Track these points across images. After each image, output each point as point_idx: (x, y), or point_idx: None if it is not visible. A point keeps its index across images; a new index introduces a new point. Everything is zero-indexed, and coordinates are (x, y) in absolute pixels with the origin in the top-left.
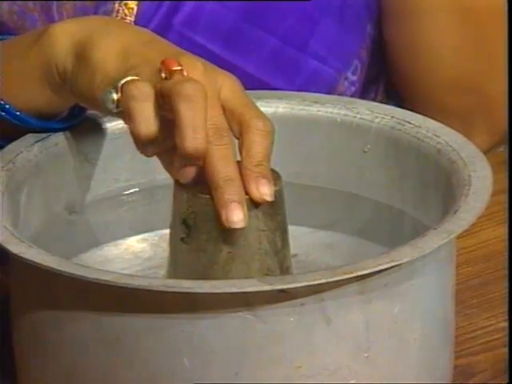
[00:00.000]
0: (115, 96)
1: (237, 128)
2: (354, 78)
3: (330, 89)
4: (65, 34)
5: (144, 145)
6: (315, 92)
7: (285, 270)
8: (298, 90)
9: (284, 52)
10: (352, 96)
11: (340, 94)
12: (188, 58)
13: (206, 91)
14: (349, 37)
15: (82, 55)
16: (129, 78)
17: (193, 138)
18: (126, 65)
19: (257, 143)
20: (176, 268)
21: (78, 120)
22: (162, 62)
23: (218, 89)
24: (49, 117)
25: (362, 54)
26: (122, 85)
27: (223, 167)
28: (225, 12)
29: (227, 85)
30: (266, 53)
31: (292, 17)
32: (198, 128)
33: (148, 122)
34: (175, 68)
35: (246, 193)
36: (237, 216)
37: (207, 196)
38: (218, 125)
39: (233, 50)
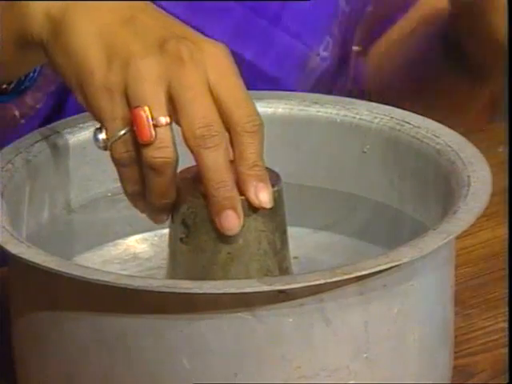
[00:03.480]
0: (101, 136)
1: (225, 125)
2: (326, 54)
3: (301, 64)
4: (40, 4)
5: (156, 212)
6: (287, 67)
7: (284, 270)
8: (270, 64)
9: (254, 22)
10: (323, 73)
11: (311, 70)
12: (172, 45)
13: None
14: (321, 12)
15: (58, 36)
16: (118, 135)
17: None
18: (107, 62)
19: (247, 145)
20: (175, 268)
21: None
22: (132, 113)
23: (206, 79)
24: (8, 79)
25: (333, 30)
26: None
27: (214, 173)
28: None
29: (215, 66)
30: (234, 21)
31: None
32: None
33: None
34: (143, 140)
35: (243, 194)
36: (231, 223)
37: None
38: (208, 123)
39: (197, 14)
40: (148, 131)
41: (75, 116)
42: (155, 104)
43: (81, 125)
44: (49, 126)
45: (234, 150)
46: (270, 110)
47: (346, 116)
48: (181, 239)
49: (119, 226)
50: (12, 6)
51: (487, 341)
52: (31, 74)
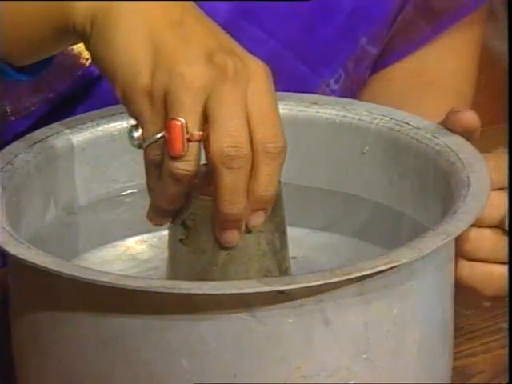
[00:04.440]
0: (137, 134)
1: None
2: (336, 86)
3: (309, 93)
4: None
5: (160, 216)
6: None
7: (284, 271)
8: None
9: (282, 56)
10: None
11: None
12: (219, 58)
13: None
14: (341, 46)
15: (103, 29)
16: (154, 139)
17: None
18: (153, 65)
19: (264, 166)
20: (175, 269)
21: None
22: (167, 124)
23: (245, 97)
24: (32, 59)
25: (348, 64)
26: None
27: (231, 195)
28: (217, 5)
29: (256, 85)
30: (262, 54)
31: (294, 20)
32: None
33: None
34: (174, 153)
35: None
36: (233, 240)
37: (207, 197)
38: (237, 143)
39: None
40: (180, 146)
41: (75, 116)
42: (192, 117)
43: (81, 125)
44: (49, 127)
45: (252, 170)
46: None
47: (346, 117)
48: (180, 240)
49: (118, 228)
50: None
51: (487, 341)
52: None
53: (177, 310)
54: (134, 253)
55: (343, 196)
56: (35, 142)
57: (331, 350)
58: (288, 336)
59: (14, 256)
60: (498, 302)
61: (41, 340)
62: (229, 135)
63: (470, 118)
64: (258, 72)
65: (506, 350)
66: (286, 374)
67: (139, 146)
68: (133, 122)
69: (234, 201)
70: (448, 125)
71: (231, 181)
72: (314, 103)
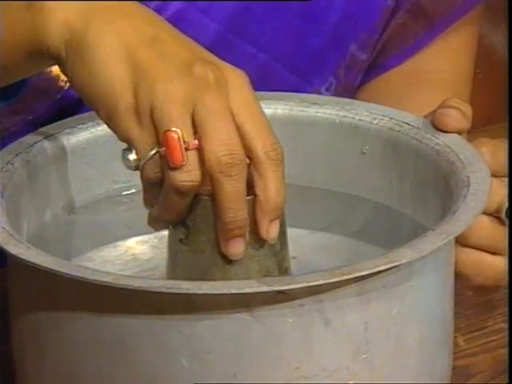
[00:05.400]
0: (132, 157)
1: (246, 154)
2: (328, 94)
3: None
4: (59, 13)
5: (159, 222)
6: None
7: (284, 271)
8: None
9: (273, 68)
10: None
11: None
12: (199, 69)
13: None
14: (330, 54)
15: (79, 52)
16: (149, 156)
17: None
18: (134, 84)
19: (272, 174)
20: (175, 269)
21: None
22: (163, 136)
23: (229, 105)
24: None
25: (339, 71)
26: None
27: (233, 203)
28: (208, 22)
29: (238, 93)
30: (253, 69)
31: (283, 32)
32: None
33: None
34: (175, 163)
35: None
36: (238, 250)
37: (207, 197)
38: (233, 150)
39: None
40: (180, 155)
41: (75, 116)
42: (184, 127)
43: (80, 125)
44: (48, 127)
45: (256, 178)
46: (269, 111)
47: (346, 117)
48: (180, 240)
49: (119, 228)
50: (28, 11)
51: (486, 341)
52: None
53: (177, 310)
54: (135, 253)
55: (343, 196)
56: (35, 142)
57: (331, 350)
58: (288, 336)
59: (14, 256)
60: (482, 292)
61: (41, 340)
62: (223, 144)
63: (456, 119)
64: (238, 80)
65: (506, 350)
66: (285, 374)
67: (137, 168)
68: (124, 145)
69: (236, 208)
70: (436, 124)
71: (231, 188)
72: (314, 103)
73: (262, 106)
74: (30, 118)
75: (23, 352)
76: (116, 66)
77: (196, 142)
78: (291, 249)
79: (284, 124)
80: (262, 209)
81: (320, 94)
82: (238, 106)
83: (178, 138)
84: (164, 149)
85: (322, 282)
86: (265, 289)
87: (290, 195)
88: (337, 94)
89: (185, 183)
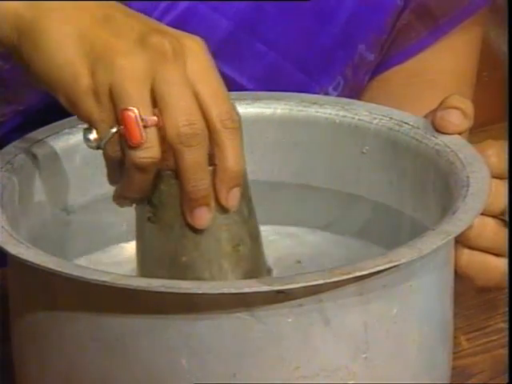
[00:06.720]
0: (92, 136)
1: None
2: (335, 93)
3: None
4: (8, 4)
5: (124, 199)
6: None
7: (255, 239)
8: None
9: (282, 66)
10: None
11: None
12: (155, 40)
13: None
14: (339, 54)
15: (31, 39)
16: (109, 135)
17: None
18: (90, 64)
19: (228, 142)
20: (145, 248)
21: None
22: (120, 115)
23: (187, 76)
24: None
25: (347, 71)
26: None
27: (194, 173)
28: (219, 20)
29: (195, 61)
30: (262, 67)
31: (293, 31)
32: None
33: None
34: (134, 142)
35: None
36: (204, 219)
37: (170, 173)
38: (192, 121)
39: (224, 60)
40: (138, 133)
41: (75, 116)
42: (142, 104)
43: (81, 125)
44: (48, 127)
45: (213, 147)
46: (269, 111)
47: (345, 117)
48: (148, 218)
49: (118, 228)
50: None
51: (486, 341)
52: None
53: (176, 310)
54: (134, 253)
55: (343, 196)
56: (35, 142)
57: (331, 350)
58: (287, 336)
59: (14, 256)
60: (482, 292)
61: (40, 340)
62: (182, 114)
63: (456, 123)
64: (194, 48)
65: (506, 350)
66: (285, 374)
67: (98, 147)
68: (85, 125)
69: (198, 177)
70: (436, 127)
71: (193, 158)
72: (314, 103)
73: (262, 105)
74: (21, 108)
75: (23, 352)
76: (70, 49)
77: (154, 118)
78: (291, 248)
79: (284, 124)
80: (220, 177)
81: (327, 93)
82: (195, 74)
83: (136, 116)
84: (122, 127)
85: (321, 281)
86: (265, 288)
87: (289, 195)
88: (344, 93)
89: (144, 160)
